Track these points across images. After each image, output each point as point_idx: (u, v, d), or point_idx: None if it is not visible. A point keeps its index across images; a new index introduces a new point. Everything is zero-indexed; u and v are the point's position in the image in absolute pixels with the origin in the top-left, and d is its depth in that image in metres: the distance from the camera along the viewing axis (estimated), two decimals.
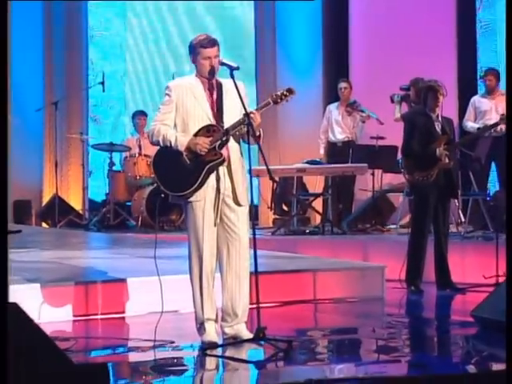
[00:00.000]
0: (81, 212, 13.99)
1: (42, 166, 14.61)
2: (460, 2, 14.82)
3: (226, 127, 6.01)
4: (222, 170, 6.07)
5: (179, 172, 6.01)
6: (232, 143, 6.04)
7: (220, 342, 6.21)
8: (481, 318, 7.07)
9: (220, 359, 5.93)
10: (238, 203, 6.08)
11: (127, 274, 7.98)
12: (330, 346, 7.10)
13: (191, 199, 5.98)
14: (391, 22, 14.59)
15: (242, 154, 6.25)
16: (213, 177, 6.02)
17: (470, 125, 12.19)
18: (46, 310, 7.34)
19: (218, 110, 6.14)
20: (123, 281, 7.61)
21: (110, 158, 13.83)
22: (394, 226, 11.91)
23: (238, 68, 6.00)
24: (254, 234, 6.30)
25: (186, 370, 6.03)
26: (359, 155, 12.27)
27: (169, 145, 6.15)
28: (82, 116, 15.32)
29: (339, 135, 12.72)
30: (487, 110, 12.10)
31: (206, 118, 6.04)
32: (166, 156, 6.10)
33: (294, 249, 10.98)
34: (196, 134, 6.00)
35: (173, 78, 12.98)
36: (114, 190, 13.47)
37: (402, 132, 11.33)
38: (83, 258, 9.87)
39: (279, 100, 6.23)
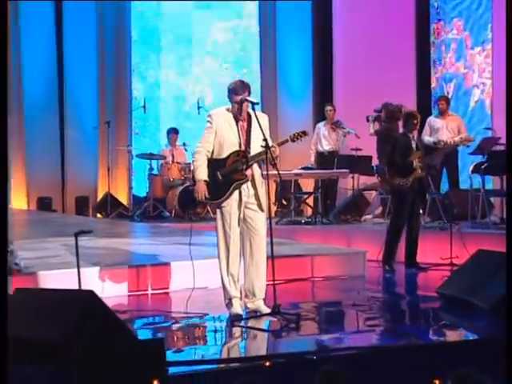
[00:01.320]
0: (127, 206, 13.97)
1: (97, 170, 14.55)
2: (419, 44, 14.26)
3: (249, 156, 6.11)
4: (247, 184, 6.15)
5: (214, 185, 6.08)
6: (255, 165, 6.14)
7: (244, 315, 6.27)
8: (444, 295, 7.06)
9: (244, 328, 6.01)
10: (261, 209, 6.18)
11: (168, 258, 8.02)
12: (326, 318, 7.06)
13: (221, 205, 6.13)
14: (366, 58, 14.13)
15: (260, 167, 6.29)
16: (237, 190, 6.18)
17: (427, 139, 12.02)
18: (108, 287, 7.38)
19: (246, 138, 6.17)
20: (167, 264, 7.65)
21: (150, 165, 13.84)
22: (369, 217, 11.90)
23: (258, 103, 6.17)
24: (271, 225, 6.18)
25: (218, 336, 6.12)
26: (342, 162, 12.30)
27: (194, 173, 6.43)
28: (127, 132, 15.26)
29: (326, 147, 12.75)
30: (439, 127, 12.12)
31: (237, 144, 6.10)
32: (212, 169, 6.12)
33: (292, 236, 10.90)
34: (228, 157, 6.10)
35: (197, 104, 13.91)
36: (152, 189, 13.53)
37: (376, 145, 12.04)
38: (132, 245, 9.85)
39: (295, 139, 6.44)
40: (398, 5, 14.20)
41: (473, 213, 11.29)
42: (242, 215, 6.25)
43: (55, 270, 7.21)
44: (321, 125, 12.85)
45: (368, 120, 11.94)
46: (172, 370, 4.48)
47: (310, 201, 13.04)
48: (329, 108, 12.85)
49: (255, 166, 6.20)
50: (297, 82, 15.08)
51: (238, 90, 6.08)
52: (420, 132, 12.39)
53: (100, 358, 4.28)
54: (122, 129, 14.93)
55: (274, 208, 12.96)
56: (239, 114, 6.10)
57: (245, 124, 6.20)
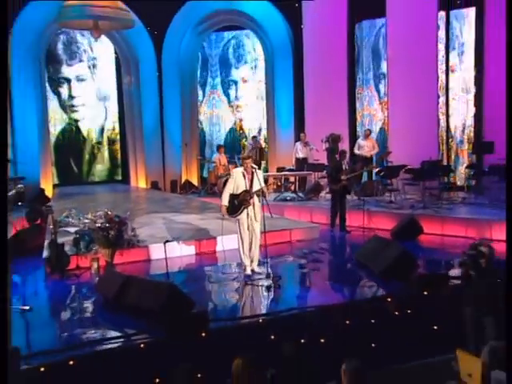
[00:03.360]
0: (197, 187, 14.11)
1: (181, 167, 14.51)
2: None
3: (251, 192, 6.46)
4: (251, 206, 6.47)
5: (232, 207, 6.41)
6: (255, 196, 6.50)
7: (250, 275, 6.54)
8: (358, 261, 7.11)
9: (251, 285, 6.21)
10: (257, 220, 6.52)
11: (214, 232, 8.21)
12: (301, 275, 7.08)
13: (237, 217, 6.48)
14: (322, 107, 13.48)
15: (260, 198, 6.57)
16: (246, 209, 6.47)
17: (356, 152, 12.39)
18: (184, 250, 7.80)
19: (250, 184, 6.47)
20: (214, 237, 7.91)
21: (208, 165, 14.37)
22: (322, 195, 11.84)
23: (256, 167, 6.53)
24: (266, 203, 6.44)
25: (236, 289, 6.23)
26: (308, 166, 12.47)
27: (221, 202, 6.53)
28: (198, 148, 15.06)
29: (300, 156, 12.83)
30: (363, 145, 12.29)
31: (245, 186, 6.43)
32: (230, 199, 6.41)
33: (282, 210, 10.85)
34: (240, 193, 6.39)
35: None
36: (209, 178, 13.80)
37: (326, 156, 11.89)
38: (196, 220, 9.45)
39: (263, 194, 6.46)
40: (335, 73, 13.36)
41: (376, 193, 11.69)
42: (248, 223, 6.59)
43: (157, 244, 7.13)
44: (298, 143, 12.95)
45: (322, 141, 11.99)
46: (212, 325, 4.71)
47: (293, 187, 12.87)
48: (302, 134, 13.02)
49: (255, 197, 6.54)
50: (285, 119, 14.59)
51: (245, 158, 6.53)
52: (352, 148, 12.75)
53: (176, 317, 4.66)
54: (194, 147, 14.85)
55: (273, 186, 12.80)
56: (246, 171, 6.50)
57: (249, 176, 6.49)
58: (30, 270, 7.15)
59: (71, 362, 4.15)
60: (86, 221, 6.82)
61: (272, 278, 6.22)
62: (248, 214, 6.49)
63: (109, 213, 6.86)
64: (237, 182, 6.48)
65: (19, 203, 10.51)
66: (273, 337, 4.76)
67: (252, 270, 6.57)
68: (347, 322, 5.13)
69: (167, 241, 5.85)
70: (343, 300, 5.86)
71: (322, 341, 4.88)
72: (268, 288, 6.01)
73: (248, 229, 6.56)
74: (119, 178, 15.32)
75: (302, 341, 4.79)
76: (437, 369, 4.71)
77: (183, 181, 14.24)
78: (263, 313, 5.43)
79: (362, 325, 5.18)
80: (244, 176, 6.48)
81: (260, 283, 6.22)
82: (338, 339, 4.93)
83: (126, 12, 10.90)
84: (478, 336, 5.07)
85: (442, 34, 12.36)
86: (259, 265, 6.79)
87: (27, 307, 5.58)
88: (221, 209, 6.58)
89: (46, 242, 7.08)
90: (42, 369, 4.07)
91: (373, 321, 5.20)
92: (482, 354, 4.03)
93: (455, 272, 6.33)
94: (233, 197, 6.48)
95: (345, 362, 3.38)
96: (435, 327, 5.33)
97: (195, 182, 14.36)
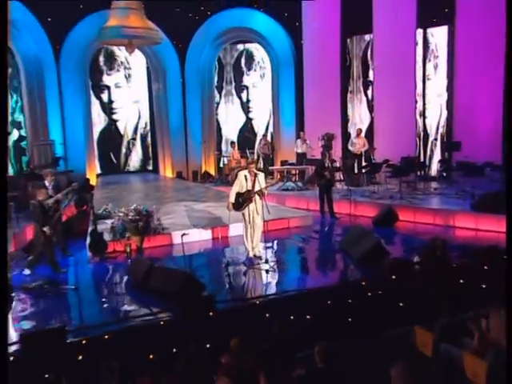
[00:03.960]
0: (214, 177, 13.73)
1: (202, 160, 14.22)
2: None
3: (252, 192, 6.28)
4: (253, 203, 6.31)
5: (237, 203, 6.27)
6: (256, 195, 6.27)
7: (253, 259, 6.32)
8: (342, 247, 6.90)
9: (252, 269, 5.99)
10: (258, 214, 6.35)
11: (227, 220, 7.44)
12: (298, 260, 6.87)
13: (242, 212, 6.35)
14: (319, 109, 12.88)
15: (260, 197, 6.23)
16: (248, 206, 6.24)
17: (349, 147, 12.00)
18: (203, 235, 7.64)
19: (252, 185, 6.30)
20: (227, 225, 7.58)
21: (223, 158, 13.89)
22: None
23: (258, 173, 6.24)
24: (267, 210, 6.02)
25: (241, 271, 6.00)
26: (307, 161, 12.02)
27: (229, 198, 6.23)
28: (215, 143, 14.56)
29: (300, 151, 12.31)
30: (356, 143, 11.74)
31: (248, 187, 6.29)
32: (236, 197, 6.19)
33: (284, 200, 10.52)
34: (244, 192, 6.24)
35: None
36: (224, 169, 13.41)
37: (321, 154, 10.60)
38: (212, 207, 9.10)
39: (262, 194, 6.17)
40: (331, 80, 12.82)
41: (362, 184, 11.30)
42: (250, 216, 6.45)
43: (178, 231, 6.85)
44: (298, 140, 12.45)
45: (318, 139, 11.64)
46: (218, 306, 4.61)
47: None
48: (302, 133, 12.55)
49: (256, 196, 6.38)
50: (288, 119, 14.13)
51: (250, 164, 6.41)
52: (345, 144, 12.42)
53: (189, 300, 4.61)
54: (212, 142, 14.42)
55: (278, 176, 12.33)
56: (250, 174, 6.32)
57: (252, 178, 6.32)
58: (76, 253, 7.13)
59: (106, 336, 4.18)
60: (120, 214, 6.81)
61: (269, 263, 6.10)
62: (250, 209, 6.36)
63: (138, 207, 6.85)
64: (241, 183, 6.33)
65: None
66: (267, 315, 4.70)
67: (254, 255, 6.46)
68: (329, 302, 5.07)
69: (184, 234, 5.78)
70: (328, 283, 5.78)
71: (308, 317, 4.82)
72: (266, 271, 5.94)
73: (250, 221, 6.42)
74: (150, 168, 14.84)
75: (292, 317, 4.70)
76: (399, 339, 4.65)
77: (203, 171, 13.92)
78: (261, 295, 5.34)
79: (340, 304, 5.13)
80: (247, 178, 6.31)
81: (260, 267, 6.12)
82: (320, 317, 4.85)
83: (156, 31, 10.71)
84: (433, 314, 4.75)
85: (419, 48, 12.05)
86: (263, 249, 6.67)
87: (73, 287, 5.63)
88: (228, 205, 6.45)
89: (89, 230, 7.08)
90: (84, 341, 4.10)
91: (350, 301, 5.15)
92: (434, 328, 3.96)
93: (418, 259, 6.20)
94: (238, 195, 6.35)
95: (318, 344, 3.28)
96: (401, 304, 5.23)
97: (212, 172, 13.99)
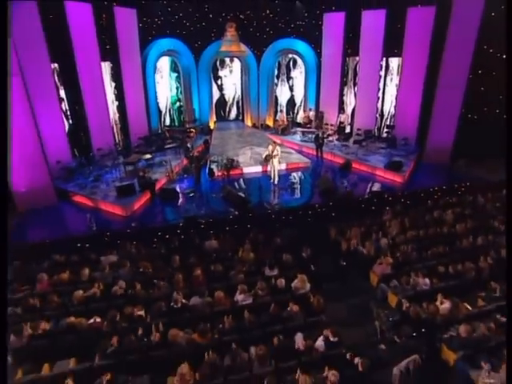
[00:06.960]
0: (270, 127, 14.30)
1: (265, 118, 14.80)
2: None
3: (272, 154, 4.96)
4: (273, 159, 4.79)
5: (265, 158, 4.82)
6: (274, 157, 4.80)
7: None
8: (317, 185, 6.50)
9: (273, 190, 4.83)
10: (275, 164, 4.84)
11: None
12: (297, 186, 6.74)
13: (267, 163, 4.94)
14: (331, 90, 13.96)
15: (274, 157, 4.95)
16: (271, 159, 4.96)
17: (340, 119, 13.11)
18: (256, 169, 7.37)
19: (272, 150, 4.96)
20: (266, 165, 6.37)
21: (277, 118, 14.70)
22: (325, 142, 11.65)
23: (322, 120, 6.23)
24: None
25: (270, 190, 5.01)
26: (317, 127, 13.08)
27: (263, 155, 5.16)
28: (273, 109, 15.25)
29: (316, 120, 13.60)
30: (343, 119, 13.03)
31: (269, 151, 4.90)
32: (265, 156, 4.95)
33: (300, 147, 11.26)
34: (269, 154, 4.77)
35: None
36: (276, 124, 14.30)
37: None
38: (264, 152, 8.46)
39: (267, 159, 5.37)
40: (335, 80, 13.71)
41: (340, 141, 12.18)
42: (272, 164, 5.56)
43: (246, 167, 6.73)
44: (312, 113, 13.77)
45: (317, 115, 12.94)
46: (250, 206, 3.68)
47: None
48: (316, 110, 14.04)
49: (275, 158, 5.31)
50: (312, 99, 14.46)
51: (274, 142, 5.09)
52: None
53: (240, 206, 4.16)
54: (271, 107, 14.81)
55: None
56: (272, 145, 4.87)
57: (273, 148, 5.11)
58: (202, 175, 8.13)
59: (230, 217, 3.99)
60: (219, 158, 8.36)
61: (281, 188, 6.46)
62: (272, 161, 7.38)
63: (229, 157, 8.24)
64: (268, 149, 7.45)
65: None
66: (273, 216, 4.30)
67: (273, 183, 7.38)
68: (309, 219, 4.87)
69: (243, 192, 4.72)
70: (309, 202, 6.02)
71: (291, 218, 4.37)
72: (280, 191, 6.28)
73: (272, 166, 7.40)
74: (240, 118, 16.50)
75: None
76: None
77: (265, 124, 15.77)
78: (272, 203, 5.20)
79: (314, 218, 4.70)
80: (270, 148, 7.25)
81: (276, 189, 6.62)
82: (299, 225, 4.70)
83: (244, 51, 13.75)
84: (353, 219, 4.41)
85: (383, 69, 13.35)
86: (278, 181, 7.19)
87: (192, 194, 6.06)
88: (264, 159, 7.19)
89: (208, 164, 8.06)
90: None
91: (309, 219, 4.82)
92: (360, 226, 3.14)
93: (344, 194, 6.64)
94: (266, 155, 7.61)
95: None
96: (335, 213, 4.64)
97: (271, 125, 15.68)
